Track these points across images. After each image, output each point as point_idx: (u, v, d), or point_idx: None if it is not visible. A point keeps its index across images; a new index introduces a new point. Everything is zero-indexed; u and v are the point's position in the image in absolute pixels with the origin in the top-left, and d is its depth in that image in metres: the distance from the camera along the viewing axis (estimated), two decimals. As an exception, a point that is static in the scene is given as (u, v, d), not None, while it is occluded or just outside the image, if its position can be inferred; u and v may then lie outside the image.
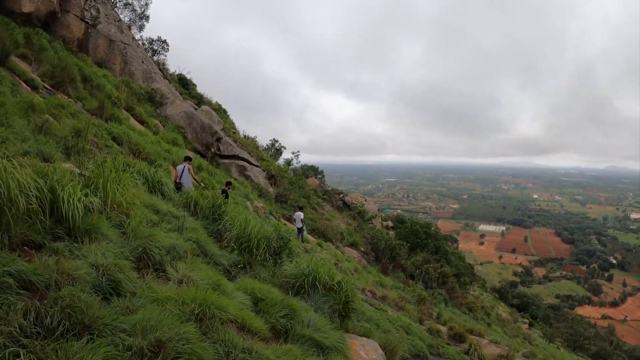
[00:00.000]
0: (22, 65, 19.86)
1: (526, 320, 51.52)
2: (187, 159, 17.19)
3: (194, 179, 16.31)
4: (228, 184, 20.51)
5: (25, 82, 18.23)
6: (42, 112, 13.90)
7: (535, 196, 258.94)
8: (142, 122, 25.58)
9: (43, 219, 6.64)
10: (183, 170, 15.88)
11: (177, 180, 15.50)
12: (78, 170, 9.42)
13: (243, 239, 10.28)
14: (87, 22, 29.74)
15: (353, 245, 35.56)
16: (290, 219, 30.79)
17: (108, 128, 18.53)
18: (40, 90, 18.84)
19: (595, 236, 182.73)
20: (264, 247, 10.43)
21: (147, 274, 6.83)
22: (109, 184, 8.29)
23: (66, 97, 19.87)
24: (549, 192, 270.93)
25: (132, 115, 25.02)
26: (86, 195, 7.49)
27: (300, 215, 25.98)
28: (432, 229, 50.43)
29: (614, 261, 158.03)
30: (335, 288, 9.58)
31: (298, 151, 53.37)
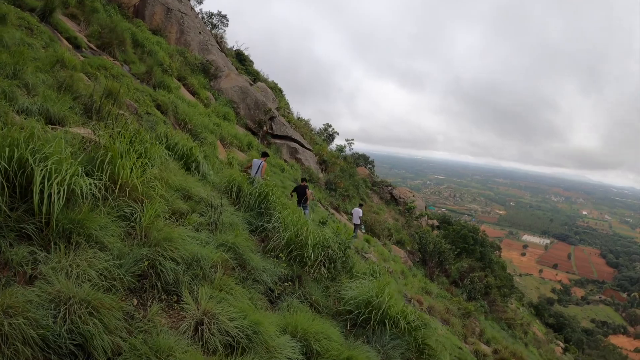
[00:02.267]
0: (69, 24, 17.80)
1: (560, 343, 47.60)
2: (264, 154, 15.33)
3: (264, 176, 14.04)
4: (303, 180, 18.33)
5: (67, 39, 16.17)
6: (74, 70, 11.51)
7: (584, 212, 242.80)
8: (193, 93, 23.37)
9: (4, 208, 4.10)
10: (259, 167, 14.25)
11: (249, 174, 13.72)
12: (95, 138, 6.92)
13: (295, 245, 7.68)
14: (144, -12, 27.60)
15: (400, 243, 32.68)
16: (338, 209, 28.18)
17: (153, 95, 16.24)
18: (84, 49, 16.70)
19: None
20: (321, 258, 7.80)
21: (151, 303, 4.28)
22: (121, 159, 5.72)
23: (112, 59, 17.70)
24: (599, 210, 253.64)
25: (183, 85, 22.88)
26: (86, 174, 4.99)
27: (359, 212, 23.53)
28: (479, 234, 46.69)
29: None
30: (408, 328, 6.85)
31: (352, 139, 50.32)
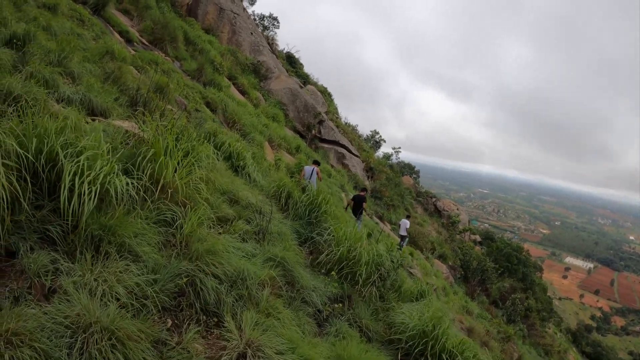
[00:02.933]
0: (121, 19, 17.67)
1: None
2: (316, 162, 14.99)
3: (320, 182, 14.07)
4: (363, 190, 18.17)
5: (119, 33, 15.99)
6: (123, 62, 11.09)
7: (631, 237, 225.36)
8: (243, 93, 22.95)
9: (26, 205, 3.48)
10: (312, 173, 13.84)
11: (308, 182, 13.07)
12: (138, 133, 6.36)
13: (347, 261, 6.97)
14: (198, -12, 27.49)
15: (442, 257, 31.34)
16: (382, 218, 27.34)
17: (203, 92, 15.78)
18: (135, 44, 16.47)
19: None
20: (374, 278, 7.07)
21: (187, 325, 3.60)
22: (165, 157, 5.12)
23: (163, 54, 17.43)
24: None
25: (233, 84, 22.48)
26: (126, 171, 4.40)
27: (406, 223, 22.37)
28: (523, 253, 44.70)
29: None
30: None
31: (399, 147, 49.23)
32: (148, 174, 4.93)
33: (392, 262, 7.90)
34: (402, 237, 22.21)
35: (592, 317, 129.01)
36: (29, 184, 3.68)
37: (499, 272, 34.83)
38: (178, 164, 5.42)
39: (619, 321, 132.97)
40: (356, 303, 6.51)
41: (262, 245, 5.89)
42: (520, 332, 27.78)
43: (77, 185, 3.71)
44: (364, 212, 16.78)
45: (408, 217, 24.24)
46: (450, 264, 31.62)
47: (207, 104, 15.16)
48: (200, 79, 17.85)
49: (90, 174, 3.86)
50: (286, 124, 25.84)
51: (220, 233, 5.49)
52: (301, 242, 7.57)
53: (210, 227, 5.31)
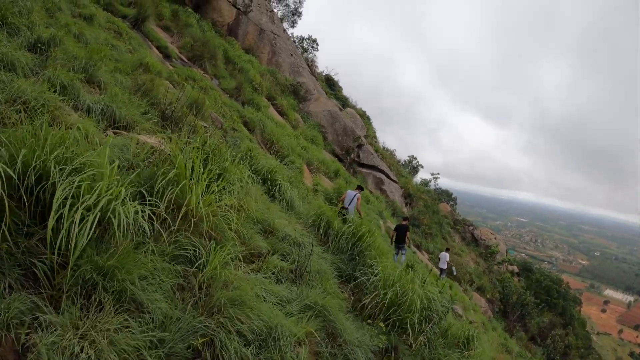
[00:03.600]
0: (161, 34, 17.30)
1: None
2: (359, 188, 14.36)
3: (358, 211, 13.06)
4: (405, 220, 17.31)
5: (157, 48, 15.52)
6: (158, 76, 10.42)
7: None
8: (282, 114, 22.28)
9: (6, 231, 2.66)
10: (353, 198, 13.13)
11: (344, 205, 12.85)
12: (165, 150, 5.55)
13: (396, 307, 5.98)
14: (238, 9, 27.38)
15: (480, 289, 29.87)
16: (420, 247, 26.25)
17: (241, 111, 15.10)
18: (174, 59, 15.98)
19: None
20: (426, 327, 6.08)
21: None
22: (190, 180, 4.28)
23: (202, 71, 16.88)
24: None
25: (272, 104, 21.84)
26: (142, 195, 3.56)
27: (446, 256, 21.71)
28: (562, 286, 42.58)
29: None
30: None
31: (438, 173, 48.07)
32: (167, 199, 4.08)
33: (444, 305, 6.89)
34: (442, 270, 21.45)
35: (631, 354, 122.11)
36: (6, 206, 2.85)
37: (539, 306, 33.02)
38: (206, 188, 4.58)
39: None
40: (404, 356, 5.52)
41: (299, 287, 4.96)
42: None
43: (66, 213, 2.86)
44: (406, 242, 15.94)
45: (448, 249, 23.98)
46: (488, 297, 30.14)
47: (245, 124, 14.45)
48: (238, 98, 17.22)
49: (87, 199, 3.01)
50: (325, 147, 25.07)
51: (251, 270, 4.59)
52: (343, 281, 6.66)
53: (239, 265, 4.41)
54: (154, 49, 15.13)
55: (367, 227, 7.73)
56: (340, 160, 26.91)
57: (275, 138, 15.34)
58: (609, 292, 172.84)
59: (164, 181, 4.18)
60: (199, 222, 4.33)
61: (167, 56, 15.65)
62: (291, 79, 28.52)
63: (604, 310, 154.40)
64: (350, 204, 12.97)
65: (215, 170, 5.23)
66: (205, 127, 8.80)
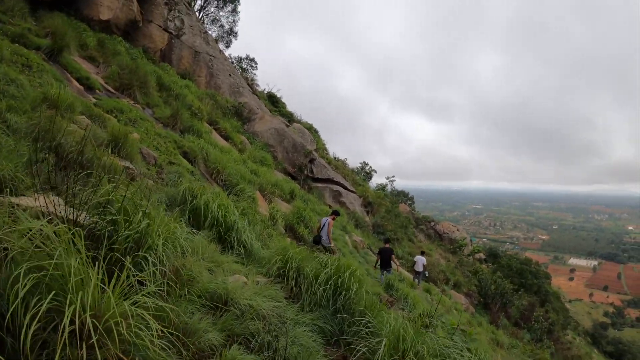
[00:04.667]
0: (84, 65, 15.29)
1: None
2: (335, 213, 14.17)
3: (329, 234, 12.95)
4: (387, 242, 17.65)
5: (77, 80, 13.50)
6: (70, 112, 8.50)
7: (630, 228, 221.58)
8: (226, 138, 20.53)
9: None
10: (324, 224, 13.03)
11: (318, 233, 13.03)
12: (53, 211, 3.76)
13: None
14: (170, 33, 25.46)
15: (456, 286, 28.91)
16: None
17: (179, 141, 13.15)
18: (98, 91, 14.02)
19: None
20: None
21: None
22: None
23: (132, 101, 14.93)
24: None
25: (215, 129, 20.11)
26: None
27: (422, 260, 21.68)
28: (533, 265, 42.38)
29: None
30: None
31: (393, 176, 47.27)
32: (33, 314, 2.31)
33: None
34: (417, 273, 21.42)
35: (606, 314, 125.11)
36: None
37: (517, 291, 32.30)
38: (107, 284, 2.83)
39: (632, 313, 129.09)
40: None
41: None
42: (549, 350, 25.45)
43: None
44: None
45: (423, 253, 23.54)
46: (465, 291, 29.13)
47: (185, 154, 12.57)
48: (175, 127, 15.32)
49: None
50: (276, 167, 23.41)
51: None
52: (329, 346, 4.99)
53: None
54: (74, 81, 13.18)
55: (350, 269, 6.07)
56: (294, 178, 25.29)
57: (221, 166, 13.56)
58: (573, 261, 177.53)
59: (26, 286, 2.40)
60: (103, 341, 2.57)
61: (89, 88, 13.67)
62: (232, 100, 26.74)
63: (571, 279, 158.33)
64: (322, 229, 12.75)
65: (129, 239, 3.50)
66: (127, 168, 6.98)
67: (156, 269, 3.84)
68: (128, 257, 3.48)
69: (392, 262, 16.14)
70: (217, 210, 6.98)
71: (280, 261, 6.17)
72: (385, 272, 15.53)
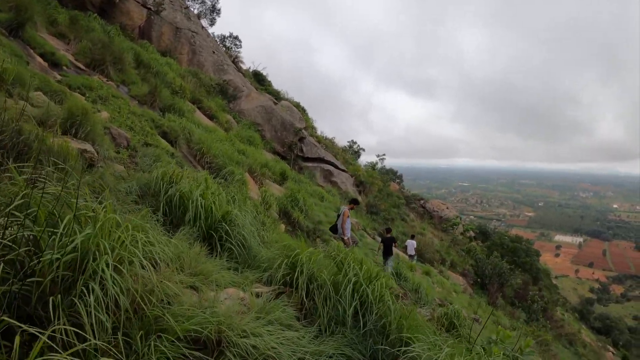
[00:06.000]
0: (52, 42, 13.61)
1: (610, 347, 41.92)
2: (353, 202, 13.10)
3: (343, 225, 11.92)
4: (389, 231, 16.56)
5: (42, 56, 11.80)
6: (22, 88, 6.92)
7: (615, 206, 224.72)
8: (210, 118, 18.94)
9: None
10: (340, 215, 12.12)
11: (336, 222, 12.26)
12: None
13: None
14: (149, 8, 23.69)
15: (452, 266, 27.75)
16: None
17: (157, 120, 11.52)
18: (65, 67, 12.32)
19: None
20: None
21: None
22: None
23: (104, 78, 13.23)
24: (630, 202, 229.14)
25: (198, 108, 18.54)
26: None
27: (413, 244, 21.32)
28: (523, 243, 41.41)
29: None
30: None
31: (383, 154, 45.68)
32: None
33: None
34: (411, 257, 21.14)
35: (591, 290, 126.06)
36: None
37: (513, 271, 31.41)
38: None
39: (617, 289, 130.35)
40: None
41: None
42: (545, 328, 25.31)
43: None
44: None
45: (413, 237, 23.24)
46: (460, 270, 28.08)
47: (164, 135, 10.99)
48: (153, 105, 13.70)
49: None
50: (264, 147, 21.87)
51: None
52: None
53: None
54: (37, 57, 11.50)
55: (376, 273, 4.63)
56: (283, 158, 23.76)
57: (206, 146, 12.00)
58: (559, 237, 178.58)
59: None
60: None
61: (55, 65, 11.96)
62: (216, 77, 25.02)
63: (557, 255, 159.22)
64: (338, 219, 12.01)
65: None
66: (84, 152, 5.45)
67: (101, 309, 2.39)
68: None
69: (393, 249, 15.63)
70: (201, 199, 5.50)
71: (286, 265, 4.69)
72: (387, 260, 14.96)
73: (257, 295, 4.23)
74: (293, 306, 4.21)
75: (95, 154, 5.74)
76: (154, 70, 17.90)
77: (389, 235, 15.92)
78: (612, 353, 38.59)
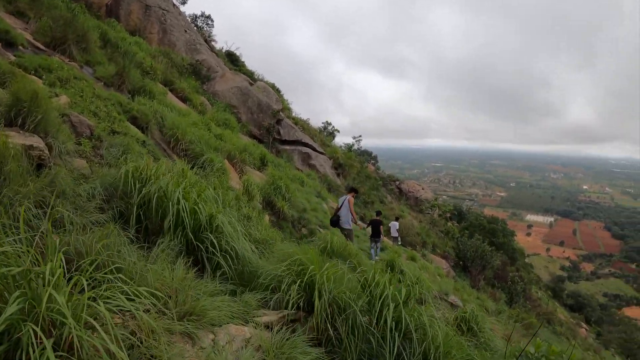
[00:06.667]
0: (8, 20, 12.33)
1: (583, 324, 42.44)
2: (352, 190, 12.59)
3: (352, 213, 11.60)
4: (379, 214, 16.62)
5: (-9, 34, 10.40)
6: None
7: (584, 187, 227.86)
8: (184, 100, 17.71)
9: None
10: (343, 203, 11.65)
11: (336, 213, 11.68)
12: None
13: None
14: (117, -15, 21.98)
15: (433, 249, 27.33)
16: (364, 219, 23.25)
17: (125, 104, 10.27)
18: (21, 47, 10.98)
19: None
20: None
21: None
22: None
23: (67, 59, 11.93)
24: (599, 184, 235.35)
25: (171, 90, 17.25)
26: None
27: (396, 225, 21.50)
28: (499, 224, 41.18)
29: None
30: None
31: (360, 135, 44.84)
32: None
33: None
34: (394, 239, 21.37)
35: (562, 268, 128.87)
36: None
37: (493, 253, 31.12)
38: None
39: (587, 267, 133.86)
40: None
41: None
42: (524, 308, 25.19)
43: None
44: (381, 235, 15.62)
45: (397, 219, 23.20)
46: (440, 253, 27.57)
47: (134, 120, 9.80)
48: (121, 87, 12.41)
49: None
50: (240, 130, 20.71)
51: None
52: None
53: None
54: (-16, 36, 10.21)
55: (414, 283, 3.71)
56: (260, 141, 22.62)
57: (181, 132, 10.84)
58: (530, 217, 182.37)
59: None
60: None
61: (9, 44, 10.62)
62: (189, 57, 23.63)
63: (529, 234, 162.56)
64: (341, 209, 11.46)
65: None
66: (30, 148, 4.34)
67: None
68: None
69: (380, 231, 15.48)
70: (183, 200, 4.48)
71: (299, 287, 3.70)
72: (375, 242, 15.27)
73: (266, 327, 3.28)
74: (306, 334, 3.29)
75: (46, 150, 4.62)
76: (122, 50, 16.54)
77: (377, 218, 15.79)
78: (585, 329, 38.87)
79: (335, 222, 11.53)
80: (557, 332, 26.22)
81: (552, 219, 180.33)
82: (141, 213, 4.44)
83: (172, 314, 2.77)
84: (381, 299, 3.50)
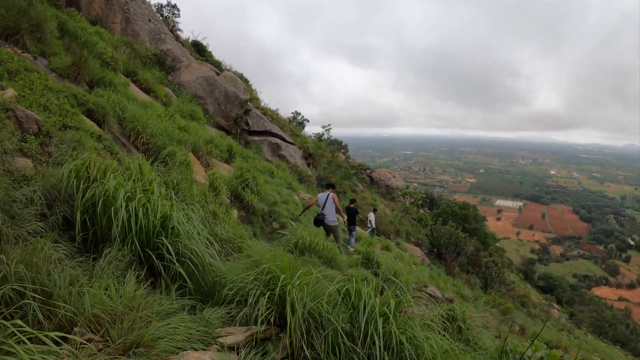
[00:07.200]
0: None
1: (555, 305, 43.34)
2: (330, 186, 12.20)
3: (339, 210, 11.50)
4: (352, 202, 16.47)
5: None
6: None
7: (552, 172, 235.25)
8: (147, 92, 17.05)
9: None
10: (326, 200, 11.30)
11: (321, 212, 11.25)
12: None
13: None
14: (77, -27, 21.03)
15: (406, 236, 27.26)
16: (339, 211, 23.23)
17: (80, 96, 9.63)
18: (-35, 38, 10.16)
19: (613, 215, 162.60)
20: None
21: None
22: None
23: (19, 50, 11.18)
24: (567, 169, 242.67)
25: (133, 81, 16.56)
26: None
27: (372, 216, 21.34)
28: (470, 210, 41.43)
29: (632, 242, 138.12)
30: None
31: (329, 125, 44.25)
32: None
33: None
34: (372, 230, 21.35)
35: (532, 251, 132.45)
36: None
37: (467, 239, 31.19)
38: None
39: (557, 249, 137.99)
40: None
41: None
42: (499, 293, 25.01)
43: None
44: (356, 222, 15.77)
45: (375, 210, 23.52)
46: (414, 240, 27.52)
47: (89, 114, 9.22)
48: (78, 79, 11.75)
49: None
50: (207, 121, 20.12)
51: None
52: None
53: None
54: None
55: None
56: (228, 132, 22.06)
57: (142, 124, 10.29)
58: (500, 202, 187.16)
59: None
60: None
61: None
62: (153, 47, 22.85)
63: (499, 219, 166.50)
64: (325, 207, 11.10)
65: None
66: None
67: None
68: None
69: (355, 220, 15.64)
70: (131, 203, 4.01)
71: (269, 300, 3.28)
72: (351, 231, 15.35)
73: (232, 349, 2.89)
74: (282, 356, 2.91)
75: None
76: (82, 40, 15.75)
77: (352, 206, 15.79)
78: (557, 310, 39.59)
79: (320, 220, 11.12)
80: (531, 314, 26.58)
81: (521, 204, 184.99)
82: (87, 218, 3.98)
83: (115, 347, 2.36)
84: (365, 313, 3.11)
